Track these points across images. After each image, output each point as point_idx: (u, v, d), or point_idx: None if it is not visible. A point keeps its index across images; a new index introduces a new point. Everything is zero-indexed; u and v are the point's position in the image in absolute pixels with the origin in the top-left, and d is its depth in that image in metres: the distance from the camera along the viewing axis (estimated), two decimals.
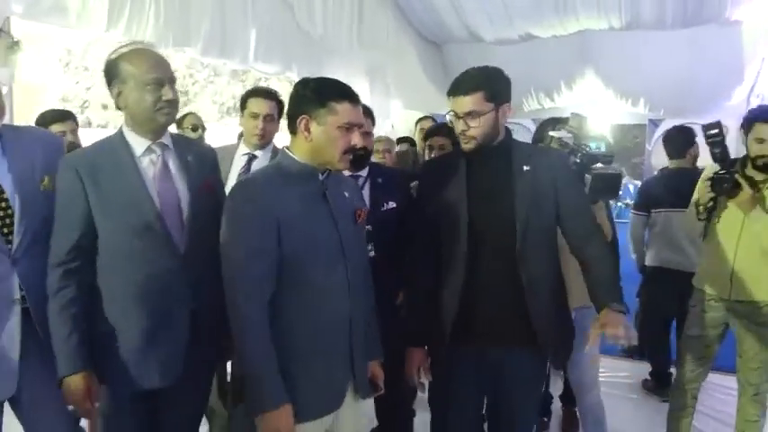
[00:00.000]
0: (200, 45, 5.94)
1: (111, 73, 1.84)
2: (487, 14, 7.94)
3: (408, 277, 2.33)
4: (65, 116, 3.59)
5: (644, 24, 7.42)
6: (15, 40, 4.87)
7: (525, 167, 2.12)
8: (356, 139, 1.87)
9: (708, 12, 6.92)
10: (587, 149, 2.54)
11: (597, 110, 10.08)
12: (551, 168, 2.15)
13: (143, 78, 1.78)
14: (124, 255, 1.83)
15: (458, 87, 2.12)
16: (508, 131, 2.23)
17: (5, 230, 1.79)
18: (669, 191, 3.97)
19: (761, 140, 2.70)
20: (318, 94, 1.83)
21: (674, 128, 4.37)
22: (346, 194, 2.00)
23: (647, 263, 4.25)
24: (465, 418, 2.25)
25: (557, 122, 2.79)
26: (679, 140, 4.13)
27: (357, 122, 1.88)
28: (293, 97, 1.90)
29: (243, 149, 2.87)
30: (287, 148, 1.92)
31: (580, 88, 9.63)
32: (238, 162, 2.82)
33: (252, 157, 2.82)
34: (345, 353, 1.90)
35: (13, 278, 1.78)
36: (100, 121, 24.38)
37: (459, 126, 2.14)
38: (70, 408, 1.86)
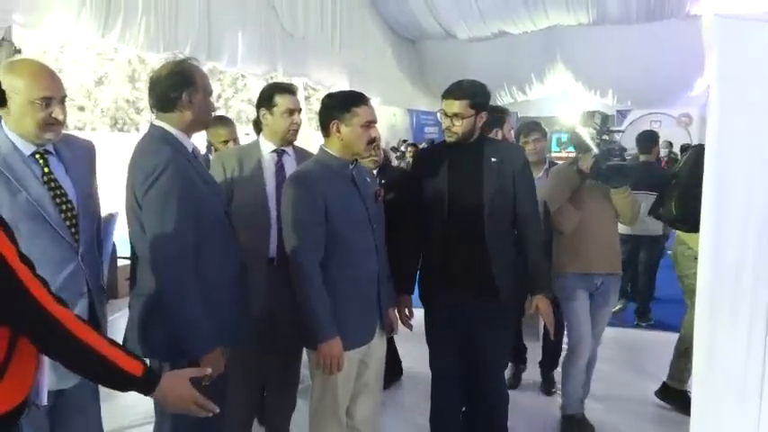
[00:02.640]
0: (188, 49, 6.11)
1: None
2: (461, 13, 8.28)
3: (399, 239, 2.76)
4: None
5: (610, 19, 7.83)
6: (17, 48, 5.00)
7: (493, 159, 2.61)
8: (375, 133, 2.35)
9: (669, 7, 7.35)
10: (608, 145, 2.94)
11: (568, 102, 10.55)
12: (513, 161, 2.65)
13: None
14: None
15: (450, 93, 2.57)
16: (481, 131, 2.68)
17: (73, 230, 1.91)
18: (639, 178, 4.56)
19: None
20: (343, 103, 2.28)
21: (643, 131, 5.28)
22: (367, 179, 2.47)
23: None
24: (447, 354, 2.75)
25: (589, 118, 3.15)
26: (645, 141, 5.00)
27: (373, 119, 2.35)
28: (324, 108, 2.34)
29: (269, 146, 2.74)
30: (323, 146, 2.36)
31: (551, 82, 10.07)
32: (269, 159, 2.74)
33: (282, 153, 2.73)
34: (374, 299, 2.39)
35: (82, 273, 1.92)
36: (76, 123, 24.11)
37: (446, 122, 2.61)
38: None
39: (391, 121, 12.05)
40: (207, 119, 2.19)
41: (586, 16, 7.92)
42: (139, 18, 5.61)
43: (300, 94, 9.38)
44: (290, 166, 2.71)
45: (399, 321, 2.72)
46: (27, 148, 1.85)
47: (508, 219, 2.61)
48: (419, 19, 8.62)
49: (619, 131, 3.02)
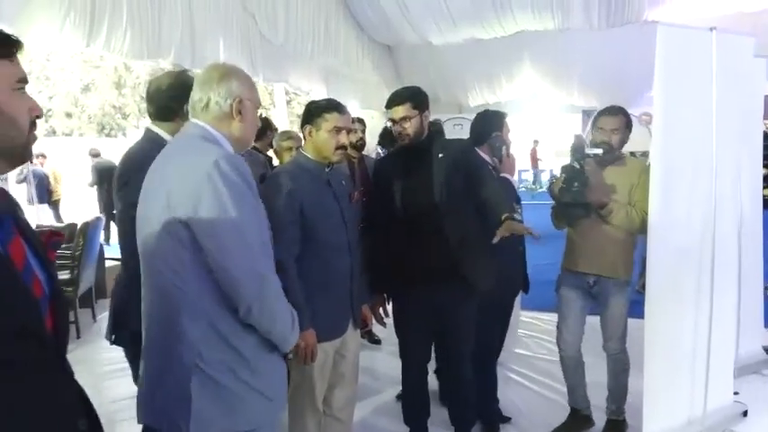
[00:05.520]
0: (171, 56, 6.33)
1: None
2: (434, 20, 8.61)
3: (368, 245, 2.96)
4: None
5: (573, 25, 8.22)
6: None
7: (440, 155, 2.84)
8: (343, 139, 2.52)
9: (628, 14, 7.76)
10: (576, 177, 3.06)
11: (536, 103, 10.97)
12: (460, 154, 2.88)
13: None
14: None
15: (392, 101, 2.83)
16: (430, 131, 2.92)
17: None
18: None
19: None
20: (317, 109, 2.52)
21: None
22: (343, 182, 2.67)
23: None
24: (418, 338, 2.99)
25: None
26: None
27: (344, 126, 2.52)
28: (303, 114, 2.57)
29: None
30: (301, 149, 2.59)
31: (520, 84, 10.48)
32: None
33: None
34: (347, 294, 2.57)
35: None
36: (64, 129, 24.01)
37: (396, 129, 2.83)
38: None
39: (370, 123, 12.34)
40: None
41: (552, 22, 8.32)
42: (124, 26, 5.83)
43: (282, 98, 9.68)
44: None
45: (374, 318, 2.96)
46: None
47: (463, 206, 2.81)
48: (394, 26, 8.95)
49: (596, 154, 3.11)
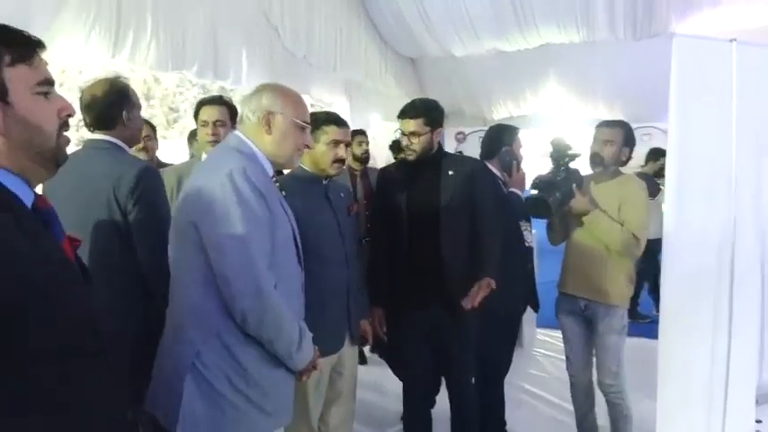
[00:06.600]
0: (195, 68, 6.40)
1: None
2: (457, 32, 8.58)
3: (371, 257, 2.96)
4: None
5: (599, 38, 8.12)
6: None
7: (450, 172, 2.79)
8: (341, 152, 2.49)
9: (655, 26, 7.63)
10: (558, 174, 3.04)
11: (561, 116, 10.82)
12: (470, 173, 2.81)
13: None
14: None
15: (405, 113, 2.79)
16: (440, 146, 2.87)
17: None
18: None
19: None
20: (315, 121, 2.46)
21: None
22: (342, 195, 2.62)
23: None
24: (417, 360, 2.91)
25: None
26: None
27: (342, 140, 2.50)
28: None
29: None
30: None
31: (544, 96, 10.36)
32: None
33: None
34: (343, 309, 2.54)
35: None
36: None
37: (404, 141, 2.79)
38: None
39: (393, 136, 12.34)
40: (140, 134, 2.44)
41: (577, 35, 8.22)
42: (148, 38, 5.92)
43: None
44: None
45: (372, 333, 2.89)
46: (270, 172, 1.91)
47: (465, 227, 2.76)
48: (417, 38, 8.94)
49: (575, 156, 3.05)
